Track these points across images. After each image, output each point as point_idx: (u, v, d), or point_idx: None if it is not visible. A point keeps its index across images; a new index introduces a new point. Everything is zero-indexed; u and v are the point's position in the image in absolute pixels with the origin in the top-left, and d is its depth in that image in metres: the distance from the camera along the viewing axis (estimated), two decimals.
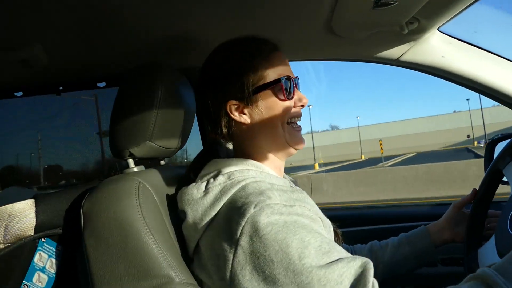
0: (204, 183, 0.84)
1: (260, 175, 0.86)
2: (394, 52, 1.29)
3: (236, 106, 0.89)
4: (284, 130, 0.91)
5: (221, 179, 0.83)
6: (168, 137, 1.00)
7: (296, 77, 0.96)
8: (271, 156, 0.94)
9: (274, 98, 0.89)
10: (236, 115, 0.89)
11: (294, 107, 0.93)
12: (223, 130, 0.90)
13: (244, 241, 0.72)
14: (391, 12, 1.03)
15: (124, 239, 0.76)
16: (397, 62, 1.32)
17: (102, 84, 1.52)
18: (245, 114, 0.90)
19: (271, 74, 0.89)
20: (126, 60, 1.32)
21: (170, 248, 0.80)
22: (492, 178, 1.11)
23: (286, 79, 0.90)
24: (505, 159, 1.07)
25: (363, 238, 1.54)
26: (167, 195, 0.93)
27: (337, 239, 1.00)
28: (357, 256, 0.74)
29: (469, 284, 0.71)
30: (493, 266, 0.72)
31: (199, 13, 1.06)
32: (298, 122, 0.95)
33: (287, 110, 0.90)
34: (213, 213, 0.79)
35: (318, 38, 1.28)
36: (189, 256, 0.85)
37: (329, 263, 0.71)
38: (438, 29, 1.26)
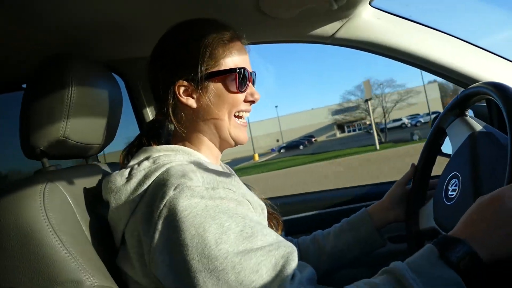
0: (128, 170, 0.81)
1: (188, 158, 0.83)
2: (327, 30, 1.26)
3: (185, 88, 0.86)
4: (229, 122, 0.89)
5: (145, 164, 0.80)
6: (87, 133, 0.94)
7: (253, 71, 0.93)
8: (210, 144, 0.91)
9: (226, 88, 0.87)
10: (183, 97, 0.87)
11: (245, 101, 0.91)
12: (169, 110, 0.87)
13: (161, 225, 0.69)
14: None
15: (25, 246, 0.69)
16: (332, 40, 1.29)
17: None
18: (192, 98, 0.87)
19: (228, 62, 0.87)
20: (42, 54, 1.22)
21: (82, 249, 0.74)
22: (436, 137, 1.11)
23: (241, 70, 0.87)
24: (449, 118, 1.06)
25: (305, 225, 1.52)
26: (91, 192, 0.88)
27: (276, 226, 0.96)
28: (281, 245, 0.71)
29: (381, 278, 0.68)
30: (406, 260, 0.69)
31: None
32: (246, 118, 0.93)
33: (236, 102, 0.88)
34: (137, 199, 0.75)
35: (249, 20, 1.23)
36: (115, 250, 0.81)
37: (248, 249, 0.68)
38: (370, 3, 1.23)
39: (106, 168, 1.04)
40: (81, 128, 0.91)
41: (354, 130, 59.17)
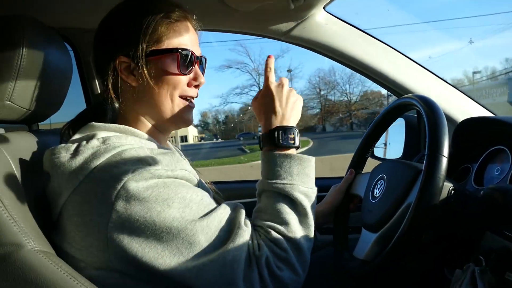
0: (75, 145, 0.77)
1: (139, 143, 0.82)
2: (282, 27, 1.33)
3: (126, 65, 0.84)
4: (172, 103, 0.87)
5: (94, 142, 0.77)
6: (34, 99, 0.92)
7: (202, 56, 0.92)
8: (151, 127, 0.90)
9: (165, 68, 0.84)
10: (124, 74, 0.84)
11: (188, 85, 0.88)
12: (109, 86, 0.84)
13: (120, 206, 0.69)
14: None
15: None
16: (285, 38, 1.35)
17: None
18: (133, 76, 0.84)
19: (171, 42, 0.84)
20: None
21: (24, 214, 0.74)
22: (368, 141, 1.19)
23: (185, 52, 0.85)
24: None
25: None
26: (32, 160, 0.86)
27: None
28: (228, 203, 0.82)
29: (265, 198, 0.86)
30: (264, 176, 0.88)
31: None
32: (193, 100, 0.91)
33: (177, 84, 0.86)
34: (81, 178, 0.73)
35: (210, 8, 1.26)
36: (52, 223, 0.80)
37: (210, 212, 0.76)
38: (324, 8, 1.31)
39: (49, 136, 1.02)
40: (28, 93, 0.89)
41: None
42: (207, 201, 0.78)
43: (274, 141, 0.87)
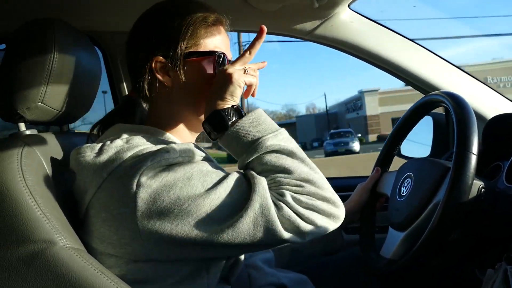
0: (100, 145, 0.80)
1: (162, 143, 0.83)
2: (306, 26, 1.32)
3: (162, 65, 0.85)
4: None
5: (118, 142, 0.79)
6: (65, 101, 0.95)
7: (231, 59, 0.93)
8: (182, 127, 0.92)
9: (202, 70, 0.87)
10: (159, 74, 0.86)
11: None
12: (145, 87, 0.86)
13: (142, 193, 0.71)
14: None
15: (0, 203, 0.71)
16: (310, 37, 1.35)
17: (2, 46, 1.39)
18: (169, 76, 0.86)
19: (208, 44, 0.87)
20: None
21: (55, 212, 0.76)
22: (395, 139, 1.17)
23: (221, 54, 0.88)
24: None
25: None
26: (62, 159, 0.89)
27: None
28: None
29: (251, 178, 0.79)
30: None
31: None
32: None
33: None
34: (105, 175, 0.75)
35: (233, 8, 1.27)
36: (79, 220, 0.82)
37: (227, 176, 0.77)
38: (348, 6, 1.30)
39: (79, 137, 1.05)
40: (60, 95, 0.92)
41: None
42: (224, 172, 0.79)
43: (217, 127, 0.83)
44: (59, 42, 0.89)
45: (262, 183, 0.76)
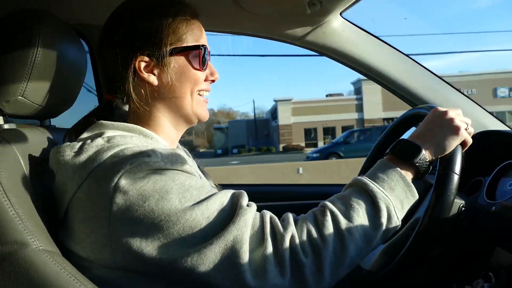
0: (80, 144, 0.78)
1: (145, 143, 0.81)
2: (298, 32, 1.32)
3: (146, 64, 0.84)
4: (192, 99, 0.88)
5: (99, 141, 0.77)
6: (47, 95, 0.92)
7: (210, 51, 0.93)
8: (168, 126, 0.90)
9: (188, 65, 0.86)
10: (144, 74, 0.84)
11: (205, 80, 0.90)
12: (130, 88, 0.83)
13: (118, 198, 0.69)
14: None
15: None
16: (300, 42, 1.35)
17: None
18: (154, 75, 0.84)
19: (190, 39, 0.86)
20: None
21: (31, 212, 0.74)
22: (380, 149, 1.16)
23: (204, 48, 0.87)
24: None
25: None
26: (41, 156, 0.86)
27: None
28: (229, 189, 0.79)
29: (349, 191, 0.79)
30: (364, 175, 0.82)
31: None
32: (206, 96, 0.92)
33: (198, 80, 0.87)
34: (84, 175, 0.73)
35: (226, 11, 1.26)
36: (59, 221, 0.80)
37: (210, 196, 0.74)
38: (340, 14, 1.31)
39: (59, 134, 1.02)
40: (41, 90, 0.89)
41: None
42: (208, 189, 0.76)
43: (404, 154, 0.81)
44: (44, 36, 0.86)
45: (245, 215, 0.72)
